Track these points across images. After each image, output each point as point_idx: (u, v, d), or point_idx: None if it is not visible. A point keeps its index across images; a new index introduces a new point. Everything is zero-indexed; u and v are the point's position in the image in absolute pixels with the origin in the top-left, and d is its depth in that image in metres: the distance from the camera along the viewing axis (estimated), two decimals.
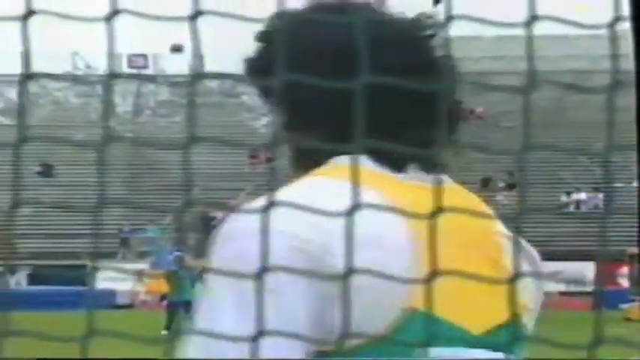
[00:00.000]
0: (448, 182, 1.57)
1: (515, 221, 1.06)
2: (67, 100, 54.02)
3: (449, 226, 1.36)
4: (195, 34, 1.07)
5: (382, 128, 1.49)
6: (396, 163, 1.53)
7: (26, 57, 1.07)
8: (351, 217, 1.11)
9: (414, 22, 1.62)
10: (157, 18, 1.15)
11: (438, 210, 1.05)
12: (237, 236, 1.39)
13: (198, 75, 1.17)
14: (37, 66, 1.14)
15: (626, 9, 1.16)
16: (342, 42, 1.51)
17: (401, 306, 1.39)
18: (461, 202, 1.47)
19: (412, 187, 1.48)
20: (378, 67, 1.32)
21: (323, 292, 1.36)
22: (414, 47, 1.58)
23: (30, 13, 1.04)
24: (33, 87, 50.91)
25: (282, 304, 1.35)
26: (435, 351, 1.41)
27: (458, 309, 1.44)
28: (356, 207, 1.10)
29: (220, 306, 1.36)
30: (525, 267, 1.60)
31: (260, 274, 1.19)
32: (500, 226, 1.58)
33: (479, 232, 1.53)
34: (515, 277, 0.99)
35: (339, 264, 1.34)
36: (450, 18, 1.04)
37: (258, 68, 1.60)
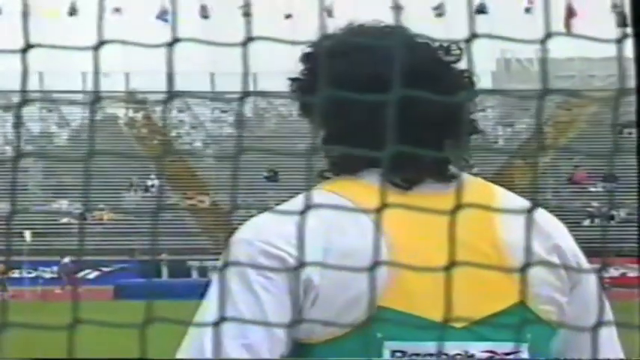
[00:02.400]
0: (466, 182, 1.70)
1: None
2: (290, 114, 55.60)
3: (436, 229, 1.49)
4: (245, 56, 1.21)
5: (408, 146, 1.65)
6: (410, 179, 1.73)
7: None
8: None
9: (443, 49, 1.77)
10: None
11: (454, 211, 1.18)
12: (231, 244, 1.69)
13: (246, 92, 1.32)
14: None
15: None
16: (374, 74, 1.71)
17: (372, 305, 1.58)
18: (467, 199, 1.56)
19: (411, 201, 1.65)
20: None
21: (295, 292, 1.63)
22: (439, 72, 1.75)
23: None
24: (261, 102, 57.35)
25: (255, 300, 1.63)
26: (400, 345, 1.62)
27: (435, 305, 1.54)
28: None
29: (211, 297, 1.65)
30: (541, 255, 1.70)
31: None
32: (506, 221, 1.69)
33: (472, 233, 1.66)
34: (526, 266, 1.10)
35: (310, 273, 1.61)
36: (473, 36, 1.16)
37: (302, 87, 1.79)
